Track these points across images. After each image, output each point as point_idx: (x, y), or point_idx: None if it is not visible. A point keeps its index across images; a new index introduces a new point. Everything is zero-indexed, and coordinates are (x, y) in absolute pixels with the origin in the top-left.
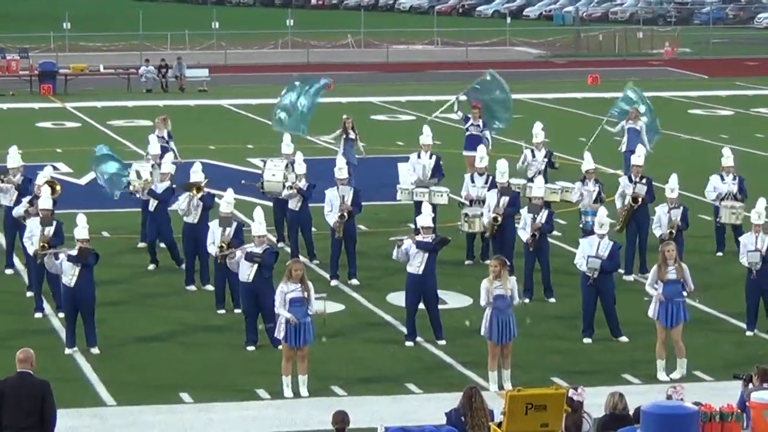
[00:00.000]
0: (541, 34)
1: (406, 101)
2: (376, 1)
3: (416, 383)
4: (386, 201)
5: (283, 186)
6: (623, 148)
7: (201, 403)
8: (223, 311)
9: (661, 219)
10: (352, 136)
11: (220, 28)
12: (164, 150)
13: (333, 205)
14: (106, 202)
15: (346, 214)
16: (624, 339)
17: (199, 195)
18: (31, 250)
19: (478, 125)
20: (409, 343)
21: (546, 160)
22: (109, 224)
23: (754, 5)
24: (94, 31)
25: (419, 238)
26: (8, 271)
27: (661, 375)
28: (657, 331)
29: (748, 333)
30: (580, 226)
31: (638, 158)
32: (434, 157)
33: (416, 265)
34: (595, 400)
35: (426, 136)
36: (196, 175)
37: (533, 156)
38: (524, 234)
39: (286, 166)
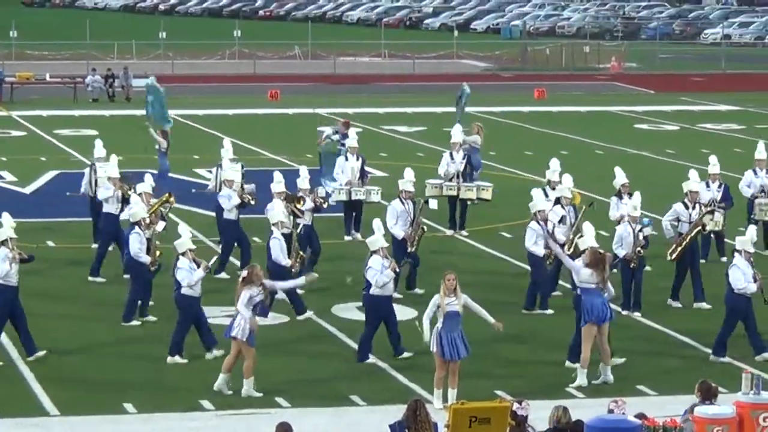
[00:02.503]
0: (488, 48)
1: (353, 113)
2: (323, 13)
3: (360, 395)
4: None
5: (242, 188)
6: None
7: (145, 414)
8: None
9: (624, 238)
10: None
11: (167, 38)
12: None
13: (399, 217)
14: (51, 211)
15: (425, 228)
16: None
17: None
18: None
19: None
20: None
21: (464, 162)
22: (53, 233)
23: (701, 21)
24: (41, 40)
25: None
26: None
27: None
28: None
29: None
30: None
31: (694, 184)
32: (360, 158)
33: (390, 288)
34: (539, 414)
35: (352, 139)
36: (145, 186)
37: (452, 158)
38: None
39: (243, 166)
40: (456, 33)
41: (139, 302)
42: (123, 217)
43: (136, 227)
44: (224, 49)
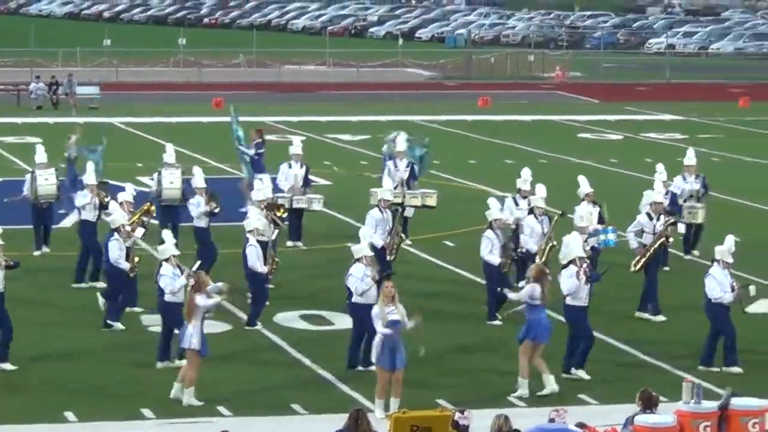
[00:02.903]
0: (432, 56)
1: (297, 121)
2: (268, 21)
3: (302, 404)
4: None
5: (182, 193)
6: None
7: (86, 422)
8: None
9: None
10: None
11: (111, 45)
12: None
13: (378, 226)
14: None
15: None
16: None
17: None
18: None
19: None
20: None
21: (408, 170)
22: None
23: (645, 31)
24: None
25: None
26: None
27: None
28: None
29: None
30: (597, 245)
31: (658, 195)
32: (305, 166)
33: (372, 296)
34: (481, 423)
35: (296, 146)
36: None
37: (396, 166)
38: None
39: (183, 172)
40: (401, 41)
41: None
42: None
43: (115, 234)
44: (169, 57)
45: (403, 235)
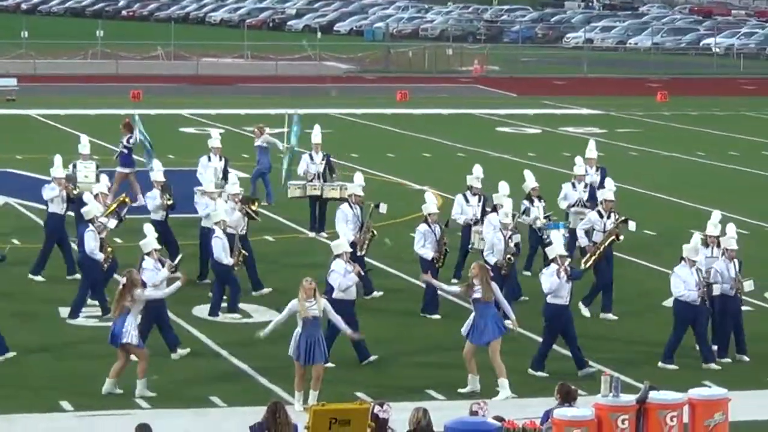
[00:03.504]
0: (351, 50)
1: (215, 114)
2: (186, 14)
3: (221, 397)
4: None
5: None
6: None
7: (4, 415)
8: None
9: (495, 245)
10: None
11: (29, 37)
12: None
13: (349, 221)
14: None
15: (374, 231)
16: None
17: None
18: None
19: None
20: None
21: (324, 162)
22: None
23: (563, 25)
24: None
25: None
26: None
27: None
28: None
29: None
30: (546, 239)
31: (609, 192)
32: (224, 159)
33: (353, 292)
34: (399, 416)
35: (215, 139)
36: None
37: (311, 159)
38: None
39: (97, 166)
40: (319, 35)
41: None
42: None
43: (90, 225)
44: (87, 49)
45: (374, 231)
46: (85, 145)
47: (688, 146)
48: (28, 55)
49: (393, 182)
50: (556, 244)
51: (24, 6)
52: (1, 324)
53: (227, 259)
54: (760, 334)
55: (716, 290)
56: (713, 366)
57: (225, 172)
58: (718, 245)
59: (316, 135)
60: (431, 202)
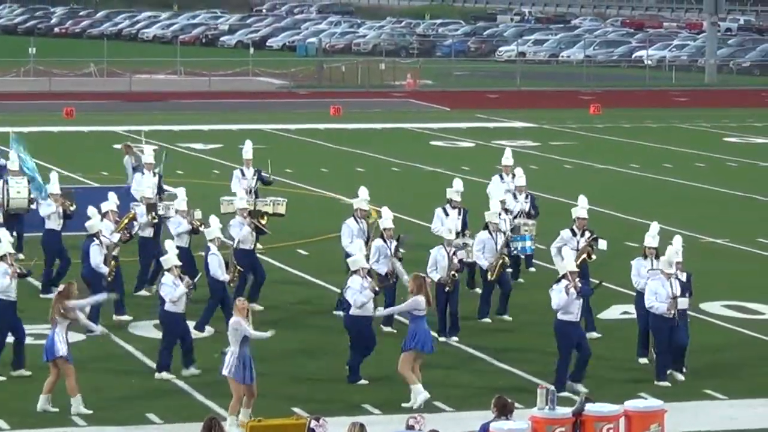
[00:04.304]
0: (284, 65)
1: (149, 130)
2: (119, 31)
3: (157, 413)
4: None
5: (29, 202)
6: None
7: None
8: None
9: (438, 261)
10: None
11: None
12: None
13: (355, 236)
14: None
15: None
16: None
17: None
18: None
19: None
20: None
21: (255, 178)
22: None
23: (496, 38)
24: None
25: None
26: None
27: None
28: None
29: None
30: (514, 252)
31: (582, 210)
32: (158, 175)
33: (369, 308)
34: (336, 431)
35: (149, 156)
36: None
37: (243, 174)
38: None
39: (29, 181)
40: (252, 50)
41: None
42: None
43: (95, 239)
44: (19, 67)
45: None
46: (14, 161)
47: (622, 158)
48: None
49: (325, 197)
50: (567, 260)
51: None
52: None
53: (223, 276)
54: (697, 346)
55: (682, 304)
56: (678, 376)
57: (159, 188)
58: (657, 257)
59: (247, 151)
60: (363, 195)
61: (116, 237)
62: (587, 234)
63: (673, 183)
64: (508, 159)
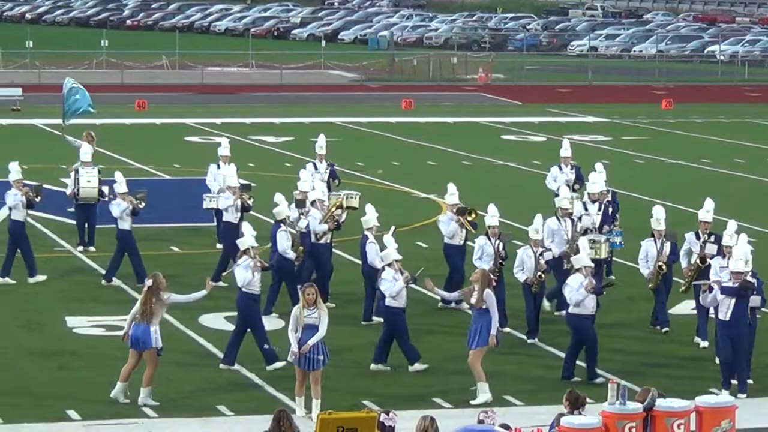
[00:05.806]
0: (355, 58)
1: (221, 123)
2: (191, 23)
3: (227, 405)
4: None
5: (99, 192)
6: None
7: (10, 424)
8: None
9: (525, 262)
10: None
11: (34, 47)
12: None
13: (525, 264)
14: None
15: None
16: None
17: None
18: None
19: None
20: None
21: (328, 171)
22: None
23: (568, 33)
24: None
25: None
26: None
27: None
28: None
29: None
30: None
31: (707, 214)
32: (232, 166)
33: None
34: (406, 424)
35: (224, 148)
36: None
37: (315, 168)
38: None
39: (99, 171)
40: (323, 43)
41: None
42: None
43: (282, 225)
44: (91, 59)
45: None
46: (86, 152)
47: (694, 153)
48: (32, 64)
49: (399, 191)
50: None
51: (28, 16)
52: (6, 332)
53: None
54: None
55: (753, 302)
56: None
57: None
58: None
59: (321, 145)
60: (492, 215)
61: (324, 226)
62: (712, 237)
63: (744, 178)
64: (566, 150)
